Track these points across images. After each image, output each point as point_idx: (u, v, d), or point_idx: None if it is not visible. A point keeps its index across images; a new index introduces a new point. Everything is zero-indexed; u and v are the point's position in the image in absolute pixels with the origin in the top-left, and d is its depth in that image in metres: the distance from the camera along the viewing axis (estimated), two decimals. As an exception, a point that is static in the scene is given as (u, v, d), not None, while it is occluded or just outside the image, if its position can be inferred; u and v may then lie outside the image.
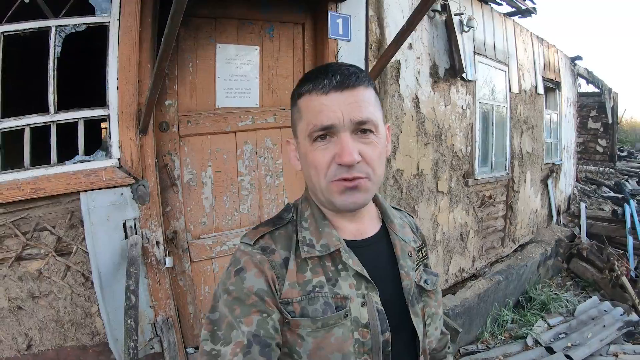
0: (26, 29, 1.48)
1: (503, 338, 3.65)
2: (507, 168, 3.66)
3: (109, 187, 1.64)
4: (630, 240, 4.72)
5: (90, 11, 1.52)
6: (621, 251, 4.68)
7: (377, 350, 0.61)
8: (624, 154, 9.06)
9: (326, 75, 0.61)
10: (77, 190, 1.59)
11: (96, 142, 1.83)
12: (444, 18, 2.84)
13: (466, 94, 3.00)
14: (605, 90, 6.93)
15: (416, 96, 2.52)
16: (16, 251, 1.67)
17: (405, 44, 2.53)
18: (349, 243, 0.66)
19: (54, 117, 1.53)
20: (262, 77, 2.15)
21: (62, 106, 1.54)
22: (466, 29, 2.97)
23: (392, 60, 2.43)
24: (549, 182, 4.64)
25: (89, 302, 1.81)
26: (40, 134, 1.61)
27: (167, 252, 1.87)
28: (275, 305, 0.59)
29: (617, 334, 3.58)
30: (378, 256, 0.69)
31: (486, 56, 3.29)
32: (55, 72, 1.50)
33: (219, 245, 2.16)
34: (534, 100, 4.18)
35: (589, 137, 8.22)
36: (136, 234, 1.75)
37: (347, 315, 0.61)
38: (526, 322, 3.72)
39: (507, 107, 3.62)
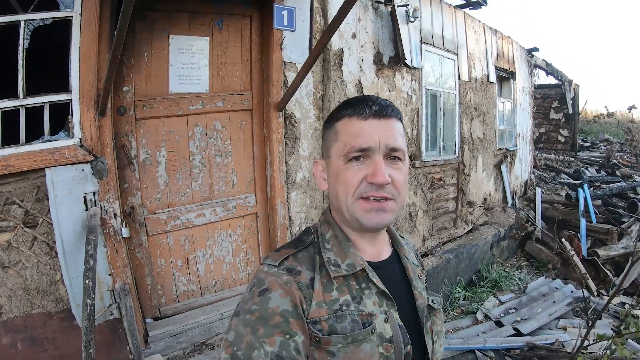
0: (-4, 22, 1.87)
1: (455, 314, 4.29)
2: (456, 152, 4.31)
3: (71, 164, 2.04)
4: (582, 222, 5.54)
5: (55, 6, 1.92)
6: (574, 232, 5.51)
7: None
8: (587, 144, 10.19)
9: (366, 103, 0.74)
10: (42, 167, 1.99)
11: (61, 124, 2.24)
12: (389, 9, 3.41)
13: (412, 80, 3.59)
14: (565, 81, 7.85)
15: (359, 82, 3.07)
16: (-14, 224, 2.06)
17: (349, 34, 3.06)
18: (369, 264, 0.77)
19: (23, 101, 1.92)
20: (211, 65, 2.61)
21: (29, 92, 1.94)
22: (412, 19, 3.55)
23: (335, 48, 2.97)
24: (503, 167, 5.38)
25: (53, 270, 2.20)
26: (9, 117, 2.00)
27: (124, 224, 2.31)
28: (299, 327, 0.66)
29: (567, 309, 4.23)
30: (394, 277, 0.81)
31: (433, 45, 3.90)
32: (24, 61, 1.89)
33: (173, 219, 2.61)
34: (485, 88, 4.87)
35: (551, 127, 9.25)
36: (95, 206, 2.16)
37: (374, 331, 0.71)
38: (478, 299, 4.37)
39: (456, 94, 4.26)
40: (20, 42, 1.87)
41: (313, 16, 2.80)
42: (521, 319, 4.01)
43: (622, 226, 5.57)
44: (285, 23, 2.64)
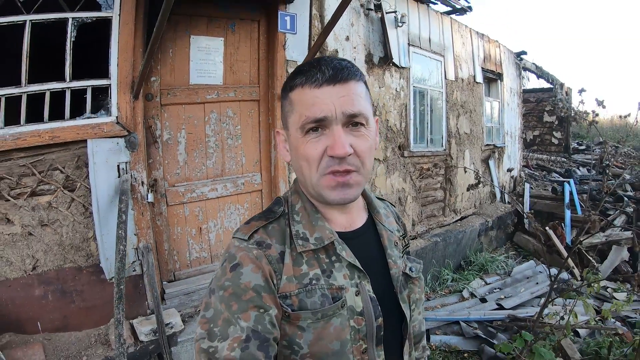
0: (49, 19, 2.31)
1: (443, 293, 4.65)
2: (444, 145, 4.72)
3: (109, 137, 2.47)
4: (567, 213, 5.90)
5: (98, 7, 2.37)
6: (558, 222, 5.86)
7: (371, 335, 0.73)
8: (583, 147, 10.57)
9: (319, 68, 0.68)
10: (84, 139, 2.41)
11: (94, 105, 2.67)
12: (379, 15, 3.86)
13: (400, 78, 4.02)
14: (557, 84, 8.27)
15: (352, 78, 3.48)
16: (32, 187, 2.46)
17: (343, 37, 3.51)
18: (340, 235, 0.76)
19: (69, 84, 2.36)
20: (225, 61, 3.05)
21: (74, 76, 2.38)
22: (400, 24, 3.99)
23: (331, 49, 3.41)
24: (491, 162, 5.77)
25: (86, 228, 2.60)
26: (55, 97, 2.44)
27: (149, 190, 2.73)
28: (272, 301, 0.67)
29: (548, 288, 4.62)
30: (367, 246, 0.79)
31: (420, 47, 4.34)
32: (71, 50, 2.34)
33: (190, 192, 3.03)
34: (472, 87, 5.30)
35: (545, 130, 9.66)
36: (127, 174, 2.59)
37: (344, 305, 0.71)
38: (465, 280, 4.73)
39: (442, 92, 4.69)
40: (68, 35, 2.32)
41: (312, 21, 3.25)
42: (504, 297, 4.37)
43: (608, 218, 5.92)
44: (288, 27, 3.08)
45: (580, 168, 8.26)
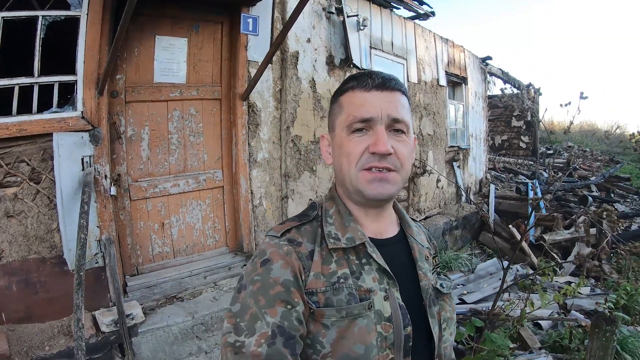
0: (20, 16, 2.62)
1: (405, 291, 5.11)
2: (406, 146, 5.22)
3: (74, 131, 2.78)
4: (532, 213, 6.57)
5: (67, 7, 2.71)
6: (522, 220, 6.50)
7: (399, 345, 0.76)
8: (551, 151, 11.56)
9: (370, 76, 0.81)
10: (50, 132, 2.71)
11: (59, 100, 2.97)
12: (341, 19, 4.34)
13: (362, 80, 4.48)
14: (523, 89, 9.10)
15: (313, 79, 3.95)
16: (-2, 179, 2.75)
17: (304, 39, 3.95)
18: (371, 240, 0.83)
19: (38, 79, 2.67)
20: (188, 61, 3.42)
21: (42, 72, 2.70)
22: (362, 27, 4.48)
23: (292, 50, 3.85)
24: (455, 163, 6.37)
25: (50, 220, 2.88)
26: (24, 92, 2.73)
27: (112, 184, 3.05)
28: (300, 296, 0.73)
29: (511, 283, 5.16)
30: (397, 256, 0.86)
31: (383, 50, 4.85)
32: (40, 47, 2.65)
33: (152, 187, 3.36)
34: (435, 90, 5.87)
35: (513, 134, 10.54)
36: (90, 167, 2.90)
37: (371, 307, 0.76)
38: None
39: (405, 94, 5.20)
40: (38, 32, 2.64)
41: (274, 24, 3.67)
42: (467, 292, 4.85)
43: (572, 217, 6.64)
44: (250, 29, 3.49)
45: (547, 170, 9.09)
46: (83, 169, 2.86)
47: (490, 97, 9.86)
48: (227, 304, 3.17)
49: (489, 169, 8.14)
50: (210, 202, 3.67)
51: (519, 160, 9.52)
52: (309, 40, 3.95)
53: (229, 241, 3.78)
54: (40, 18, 2.65)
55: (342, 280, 0.77)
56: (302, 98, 3.87)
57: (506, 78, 8.55)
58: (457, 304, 4.50)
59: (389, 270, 0.80)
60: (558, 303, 3.57)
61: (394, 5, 5.07)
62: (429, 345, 0.85)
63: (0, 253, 2.75)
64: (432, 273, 0.91)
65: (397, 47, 5.15)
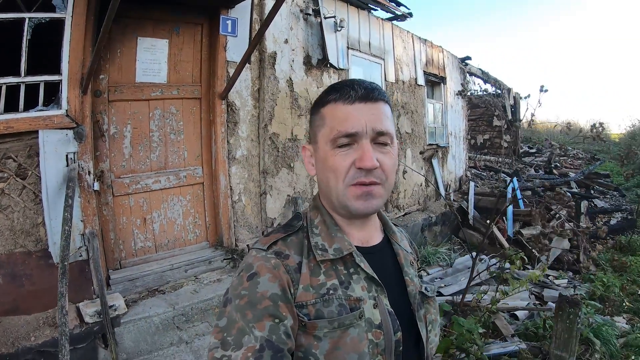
0: (7, 18, 2.87)
1: (383, 285, 5.44)
2: (384, 144, 5.58)
3: (59, 128, 3.03)
4: (509, 208, 7.02)
5: (53, 9, 2.97)
6: (500, 216, 6.92)
7: (390, 350, 0.82)
8: (533, 150, 12.15)
9: (352, 87, 0.83)
10: (36, 129, 2.95)
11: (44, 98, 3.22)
12: (319, 20, 4.67)
13: (339, 79, 4.83)
14: (504, 89, 9.59)
15: (290, 79, 4.27)
16: (-16, 175, 2.98)
17: (282, 40, 4.28)
18: (357, 249, 0.88)
19: (24, 79, 2.92)
20: (169, 61, 3.70)
21: (28, 72, 2.95)
22: (339, 28, 4.82)
23: (270, 51, 4.16)
24: (434, 161, 6.77)
25: (36, 214, 3.12)
26: (10, 91, 2.98)
27: (95, 179, 3.31)
28: (288, 310, 0.76)
29: (487, 276, 5.51)
30: (384, 263, 0.92)
31: (360, 51, 5.21)
32: (27, 48, 2.91)
33: (134, 184, 3.62)
34: (414, 89, 6.26)
35: (494, 134, 11.09)
36: (74, 163, 3.16)
37: (362, 316, 0.80)
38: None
39: (383, 94, 5.57)
40: (25, 33, 2.89)
41: (252, 25, 3.97)
42: (445, 285, 5.18)
43: (551, 213, 7.11)
44: (229, 30, 3.77)
45: (528, 168, 9.61)
46: (67, 165, 3.11)
47: (475, 96, 10.36)
48: (207, 295, 3.44)
49: (470, 167, 8.59)
50: (190, 198, 3.94)
51: (500, 159, 10.03)
52: (286, 41, 4.27)
53: (209, 236, 4.06)
54: (27, 20, 2.91)
55: (331, 291, 0.81)
56: (279, 97, 4.19)
57: (486, 78, 9.02)
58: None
59: (377, 278, 0.85)
60: (528, 290, 3.93)
61: (372, 7, 5.43)
62: (417, 348, 0.91)
63: (-14, 247, 2.98)
64: (417, 277, 0.98)
65: (375, 48, 5.51)
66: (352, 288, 0.83)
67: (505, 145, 10.46)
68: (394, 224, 1.04)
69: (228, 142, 3.97)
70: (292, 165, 4.34)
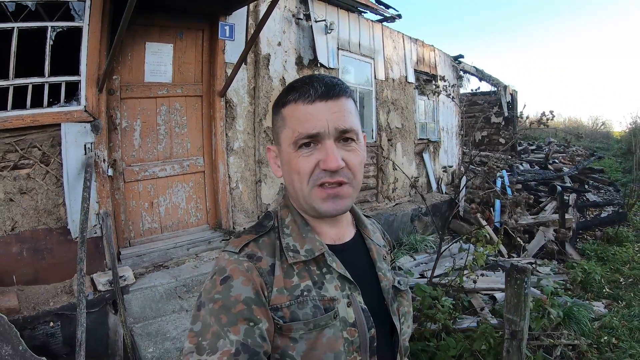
0: (33, 26, 3.42)
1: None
2: (374, 137, 6.09)
3: (78, 122, 3.58)
4: (497, 200, 7.44)
5: (71, 18, 3.51)
6: (486, 206, 7.35)
7: (365, 347, 0.85)
8: (533, 147, 12.51)
9: (311, 85, 0.82)
10: (58, 123, 3.50)
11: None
12: (310, 24, 5.17)
13: (329, 78, 5.31)
14: (500, 87, 9.98)
15: (283, 77, 4.78)
16: (14, 161, 3.51)
17: (276, 42, 4.78)
18: (330, 247, 0.89)
19: (48, 79, 3.47)
20: (174, 63, 4.23)
21: (51, 73, 3.50)
22: (329, 31, 5.31)
23: (264, 53, 4.67)
24: (425, 155, 7.23)
25: (57, 196, 3.64)
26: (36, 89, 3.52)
27: (109, 166, 3.84)
28: (263, 314, 0.77)
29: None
30: (357, 259, 0.94)
31: (350, 51, 5.70)
32: (50, 52, 3.45)
33: (143, 171, 4.16)
34: (404, 87, 6.73)
35: (492, 131, 11.49)
36: (91, 151, 3.69)
37: (336, 316, 0.83)
38: (395, 259, 6.03)
39: (372, 90, 6.07)
40: (48, 40, 3.44)
41: (248, 30, 4.49)
42: (429, 270, 5.66)
43: (540, 205, 7.52)
44: (227, 35, 4.29)
45: (524, 164, 9.99)
46: (85, 154, 3.65)
47: (472, 94, 10.77)
48: (206, 270, 3.97)
49: (465, 162, 8.99)
50: (193, 185, 4.47)
51: (497, 155, 10.42)
52: (279, 44, 4.78)
53: (209, 219, 4.58)
54: (49, 28, 3.46)
55: (305, 292, 0.83)
56: (273, 94, 4.70)
57: (480, 75, 9.43)
58: (418, 278, 5.31)
59: (349, 277, 0.87)
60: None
61: (361, 10, 5.92)
62: (391, 341, 0.95)
63: (14, 224, 3.51)
64: (390, 271, 1.00)
65: (365, 48, 5.99)
66: (325, 288, 0.85)
67: (503, 142, 10.83)
68: (366, 216, 1.06)
69: (226, 135, 4.48)
70: (284, 156, 4.85)
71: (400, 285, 1.00)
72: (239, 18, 4.39)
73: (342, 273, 0.87)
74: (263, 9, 4.56)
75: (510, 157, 10.50)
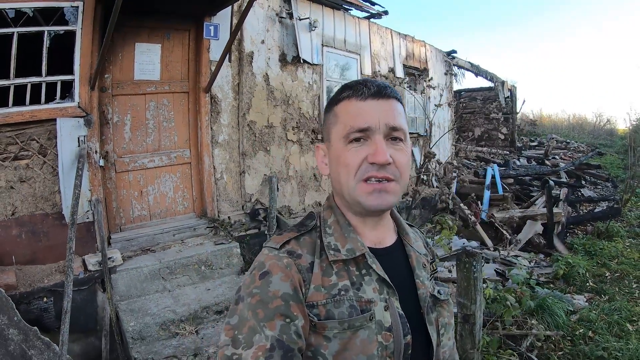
0: (31, 31, 3.88)
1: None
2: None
3: (72, 117, 4.04)
4: (486, 193, 7.75)
5: (65, 22, 3.96)
6: (474, 200, 7.65)
7: (399, 353, 0.85)
8: (535, 143, 12.71)
9: (365, 84, 0.88)
10: (54, 118, 3.96)
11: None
12: (294, 21, 5.55)
13: (313, 73, 5.71)
14: (497, 82, 10.19)
15: (266, 74, 5.18)
16: (15, 153, 3.99)
17: (259, 40, 5.18)
18: (370, 250, 0.92)
19: (45, 78, 3.93)
20: (162, 62, 4.66)
21: (48, 72, 3.96)
22: (313, 28, 5.68)
23: (248, 51, 5.08)
24: (415, 149, 7.56)
25: (53, 184, 4.10)
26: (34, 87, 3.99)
27: (101, 157, 4.30)
28: (300, 310, 0.79)
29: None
30: (396, 265, 0.95)
31: (335, 47, 6.06)
32: (47, 54, 3.91)
33: (133, 162, 4.61)
34: (392, 82, 7.05)
35: (492, 126, 11.71)
36: (84, 144, 4.15)
37: (372, 318, 0.84)
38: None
39: (358, 86, 6.41)
40: (44, 43, 3.89)
41: (232, 29, 4.89)
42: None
43: (531, 200, 7.80)
44: (212, 34, 4.69)
45: (520, 159, 10.24)
46: (79, 146, 4.11)
47: (468, 90, 11.02)
48: (189, 254, 4.43)
49: (459, 157, 9.31)
50: (180, 175, 4.91)
51: (493, 150, 10.67)
52: (263, 42, 5.18)
53: (195, 208, 5.03)
54: (46, 32, 3.91)
55: (342, 292, 0.85)
56: (256, 90, 5.11)
57: (476, 71, 9.66)
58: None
59: (388, 280, 0.89)
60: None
61: (346, 7, 6.27)
62: (427, 351, 0.94)
63: (14, 209, 3.99)
64: (430, 280, 1.01)
65: (350, 44, 6.36)
66: (363, 289, 0.87)
67: (502, 137, 11.06)
68: (409, 225, 1.08)
69: (211, 128, 4.91)
70: (268, 149, 5.26)
71: (441, 294, 1.01)
72: (223, 18, 4.79)
73: (381, 275, 0.89)
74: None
75: (508, 152, 10.73)
